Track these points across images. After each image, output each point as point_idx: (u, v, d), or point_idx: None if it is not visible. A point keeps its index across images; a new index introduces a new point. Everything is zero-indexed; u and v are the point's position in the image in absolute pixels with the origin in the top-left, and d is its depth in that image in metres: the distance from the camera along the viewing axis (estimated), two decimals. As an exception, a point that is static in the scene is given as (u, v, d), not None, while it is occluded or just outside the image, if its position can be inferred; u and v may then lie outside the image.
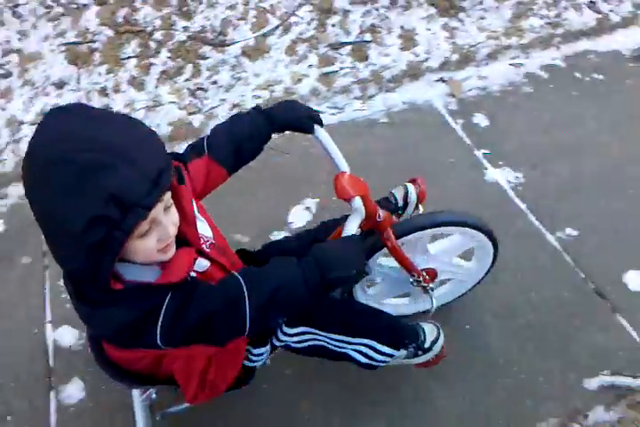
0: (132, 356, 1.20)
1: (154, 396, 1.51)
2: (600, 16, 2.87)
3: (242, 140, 1.22)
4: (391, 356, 1.45)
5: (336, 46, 2.79)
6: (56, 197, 0.83)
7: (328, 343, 1.40)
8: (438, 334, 1.55)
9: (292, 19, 2.90)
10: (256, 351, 1.36)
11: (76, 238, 0.84)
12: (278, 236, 2.05)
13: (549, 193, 2.21)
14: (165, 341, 0.98)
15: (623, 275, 1.96)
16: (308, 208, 2.17)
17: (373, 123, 2.49)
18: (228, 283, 1.05)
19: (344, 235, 1.14)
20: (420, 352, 1.53)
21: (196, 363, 1.24)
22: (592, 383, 1.71)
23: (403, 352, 1.50)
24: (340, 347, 1.40)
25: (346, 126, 2.46)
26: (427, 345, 1.53)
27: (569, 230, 2.09)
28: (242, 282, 1.03)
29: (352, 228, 1.17)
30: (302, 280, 1.04)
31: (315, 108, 1.47)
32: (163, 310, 0.96)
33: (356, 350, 1.41)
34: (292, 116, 1.26)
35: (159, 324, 0.96)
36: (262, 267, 1.09)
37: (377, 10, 2.90)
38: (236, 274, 1.06)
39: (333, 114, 2.52)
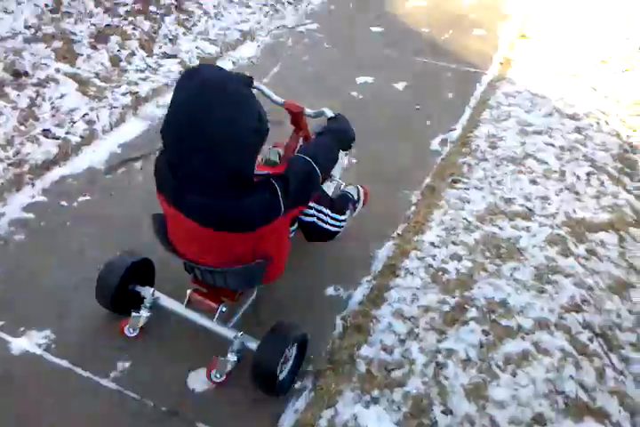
0: (240, 251, 1.68)
1: (224, 309, 1.95)
2: (60, 141, 2.93)
3: None
4: (344, 220, 2.20)
5: None
6: (235, 116, 1.37)
7: (318, 218, 2.09)
8: (356, 187, 2.48)
9: None
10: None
11: (247, 144, 1.44)
12: None
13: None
14: (285, 206, 1.55)
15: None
16: None
17: None
18: (298, 162, 1.66)
19: (330, 116, 2.00)
20: (357, 204, 2.41)
21: (282, 238, 1.82)
22: None
23: (349, 213, 2.28)
24: (323, 221, 2.10)
25: None
26: (357, 197, 2.42)
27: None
28: (305, 158, 1.66)
29: (330, 112, 2.03)
30: (336, 143, 1.84)
31: None
32: (277, 187, 1.52)
33: (327, 223, 2.11)
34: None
35: (279, 195, 1.52)
36: (308, 144, 1.97)
37: None
38: (299, 155, 1.68)
39: None
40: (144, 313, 2.02)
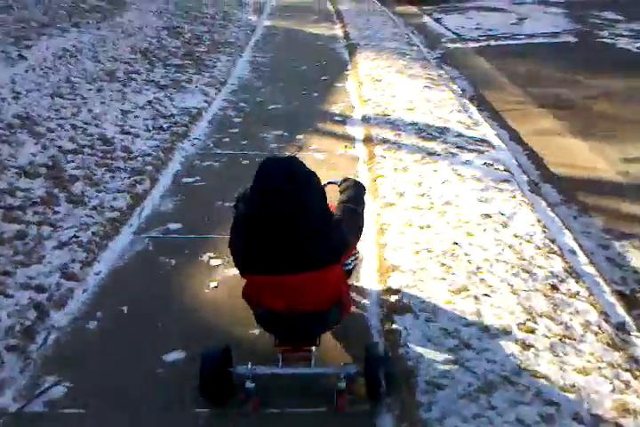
0: (329, 290, 2.26)
1: (316, 353, 2.42)
2: None
3: None
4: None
5: None
6: (317, 194, 2.09)
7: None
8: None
9: None
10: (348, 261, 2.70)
11: (326, 207, 2.11)
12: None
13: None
14: (350, 239, 2.20)
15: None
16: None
17: None
18: (348, 210, 2.30)
19: (338, 181, 2.62)
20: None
21: (345, 282, 2.50)
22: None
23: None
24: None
25: None
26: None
27: None
28: (352, 207, 2.33)
29: (336, 179, 2.71)
30: (360, 194, 2.46)
31: None
32: (343, 227, 2.16)
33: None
34: None
35: (345, 233, 2.15)
36: (344, 197, 2.40)
37: None
38: (347, 205, 2.33)
39: None
40: (249, 384, 2.29)
